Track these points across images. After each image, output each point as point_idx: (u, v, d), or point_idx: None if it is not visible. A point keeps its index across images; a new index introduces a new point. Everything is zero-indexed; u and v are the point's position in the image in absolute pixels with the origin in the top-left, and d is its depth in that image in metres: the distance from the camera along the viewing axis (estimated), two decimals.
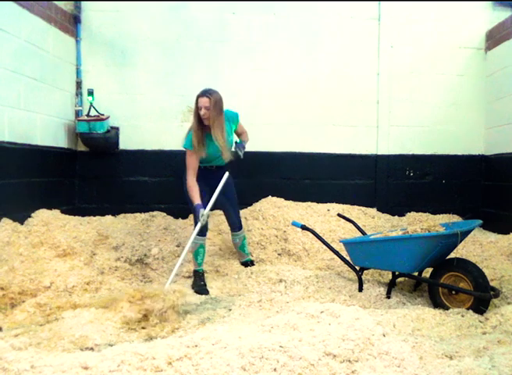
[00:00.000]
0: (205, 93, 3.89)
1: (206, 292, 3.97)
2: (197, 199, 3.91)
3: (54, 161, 4.86)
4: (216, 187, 4.04)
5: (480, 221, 3.69)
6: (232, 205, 4.41)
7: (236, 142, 4.32)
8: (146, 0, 5.36)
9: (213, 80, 5.32)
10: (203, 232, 4.08)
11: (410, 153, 5.60)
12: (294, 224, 4.11)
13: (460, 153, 5.63)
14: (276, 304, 3.59)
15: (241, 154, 4.20)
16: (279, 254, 4.78)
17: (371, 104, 5.57)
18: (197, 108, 3.91)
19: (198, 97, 3.91)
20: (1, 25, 3.94)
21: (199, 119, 3.94)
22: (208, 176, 4.13)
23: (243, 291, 3.92)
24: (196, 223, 3.96)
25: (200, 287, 4.05)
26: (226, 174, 4.13)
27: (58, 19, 4.87)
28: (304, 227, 4.03)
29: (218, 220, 5.04)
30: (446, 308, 3.32)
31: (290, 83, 5.51)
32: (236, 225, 4.47)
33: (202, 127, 3.97)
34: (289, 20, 5.50)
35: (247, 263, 4.50)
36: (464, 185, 5.63)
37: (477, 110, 5.63)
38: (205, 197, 4.04)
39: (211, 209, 4.07)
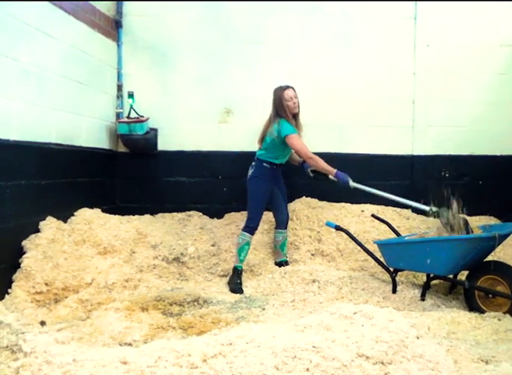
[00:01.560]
0: (289, 86, 4.31)
1: (241, 291, 4.04)
2: (331, 167, 4.25)
3: (96, 161, 5.02)
4: (280, 188, 4.52)
5: None
6: (285, 201, 4.68)
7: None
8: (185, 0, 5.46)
9: (249, 81, 5.39)
10: (254, 232, 4.33)
11: (447, 154, 5.49)
12: (328, 225, 4.12)
13: (498, 154, 5.48)
14: (309, 304, 3.62)
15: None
16: (312, 254, 4.79)
17: (406, 104, 5.50)
18: (287, 100, 4.23)
19: (284, 89, 4.26)
20: (49, 31, 4.10)
21: (289, 109, 4.25)
22: (276, 176, 4.50)
23: (277, 291, 3.96)
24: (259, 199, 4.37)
25: (235, 285, 4.13)
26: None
27: (101, 24, 5.03)
28: (338, 228, 4.04)
29: None
30: (482, 311, 3.28)
31: (326, 84, 5.49)
32: (285, 222, 4.63)
33: (293, 117, 4.32)
34: (325, 21, 5.49)
35: (282, 263, 4.53)
36: (502, 186, 5.48)
37: None
38: (265, 203, 4.40)
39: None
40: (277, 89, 4.31)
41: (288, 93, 4.25)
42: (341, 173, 4.21)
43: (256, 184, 4.36)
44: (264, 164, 4.38)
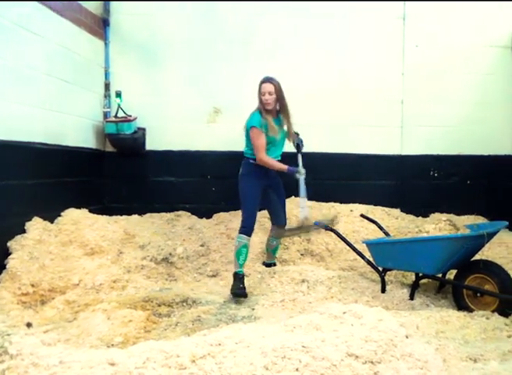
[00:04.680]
0: (268, 79, 4.07)
1: (245, 295, 3.86)
2: (283, 165, 4.08)
3: (83, 161, 4.98)
4: (270, 188, 4.25)
5: (506, 223, 3.64)
6: (280, 199, 4.42)
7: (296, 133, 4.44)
8: (174, 0, 5.43)
9: (239, 81, 5.37)
10: (250, 233, 4.09)
11: (436, 153, 5.54)
12: (317, 224, 4.12)
13: (486, 153, 5.52)
14: (299, 304, 3.61)
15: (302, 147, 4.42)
16: (302, 254, 4.79)
17: (395, 104, 5.53)
18: (261, 94, 4.05)
19: (262, 83, 4.07)
20: (35, 29, 4.06)
21: (263, 104, 4.05)
22: (268, 175, 4.19)
23: (266, 291, 3.94)
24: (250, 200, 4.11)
25: (239, 290, 3.89)
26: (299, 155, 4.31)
27: (88, 22, 4.99)
28: (327, 228, 4.03)
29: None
30: (470, 310, 3.29)
31: (315, 84, 5.50)
32: (282, 221, 4.42)
33: (268, 112, 4.08)
34: (315, 21, 5.50)
35: (270, 265, 4.50)
36: (490, 186, 5.52)
37: (504, 109, 5.52)
38: (257, 201, 4.14)
39: None
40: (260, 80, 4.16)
41: (263, 86, 4.07)
42: (291, 168, 4.08)
43: (244, 183, 4.15)
44: (251, 161, 4.14)
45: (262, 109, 4.07)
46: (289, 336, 2.38)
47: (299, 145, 4.39)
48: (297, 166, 4.18)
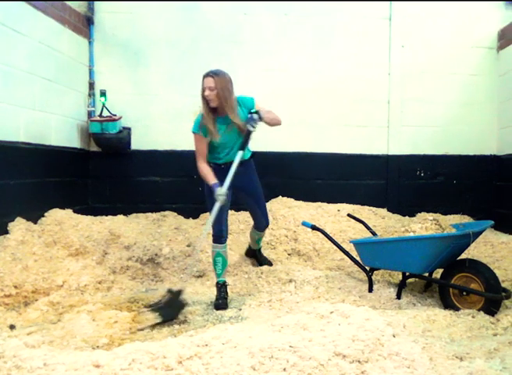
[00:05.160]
0: (209, 73, 3.58)
1: (225, 308, 3.60)
2: (211, 179, 3.60)
3: (67, 161, 4.92)
4: (243, 191, 3.88)
5: (491, 222, 3.66)
6: (257, 203, 4.01)
7: (250, 112, 3.67)
8: (159, 0, 5.40)
9: None
10: (221, 240, 3.76)
11: (422, 153, 5.59)
12: (304, 224, 4.11)
13: (471, 153, 5.60)
14: (286, 304, 3.60)
15: (253, 128, 3.62)
16: (289, 254, 4.79)
17: (382, 104, 5.56)
18: (202, 91, 3.58)
19: (203, 77, 3.60)
20: (17, 27, 4.00)
21: (206, 101, 3.60)
22: (222, 179, 3.59)
23: (254, 291, 3.93)
24: (211, 206, 3.58)
25: (217, 300, 3.65)
26: (240, 153, 3.61)
27: (71, 20, 4.93)
28: (314, 227, 4.03)
29: (229, 220, 5.04)
30: (456, 309, 3.30)
31: (302, 84, 5.52)
32: (263, 225, 4.14)
33: (211, 111, 3.63)
34: (301, 20, 5.51)
35: (261, 262, 4.46)
36: (475, 186, 5.60)
37: (489, 110, 5.59)
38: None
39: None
40: None
41: (204, 81, 3.57)
42: (216, 185, 3.54)
43: (206, 187, 3.78)
44: (211, 165, 3.75)
45: (206, 109, 3.61)
46: (277, 336, 2.38)
47: (248, 136, 3.66)
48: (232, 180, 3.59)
